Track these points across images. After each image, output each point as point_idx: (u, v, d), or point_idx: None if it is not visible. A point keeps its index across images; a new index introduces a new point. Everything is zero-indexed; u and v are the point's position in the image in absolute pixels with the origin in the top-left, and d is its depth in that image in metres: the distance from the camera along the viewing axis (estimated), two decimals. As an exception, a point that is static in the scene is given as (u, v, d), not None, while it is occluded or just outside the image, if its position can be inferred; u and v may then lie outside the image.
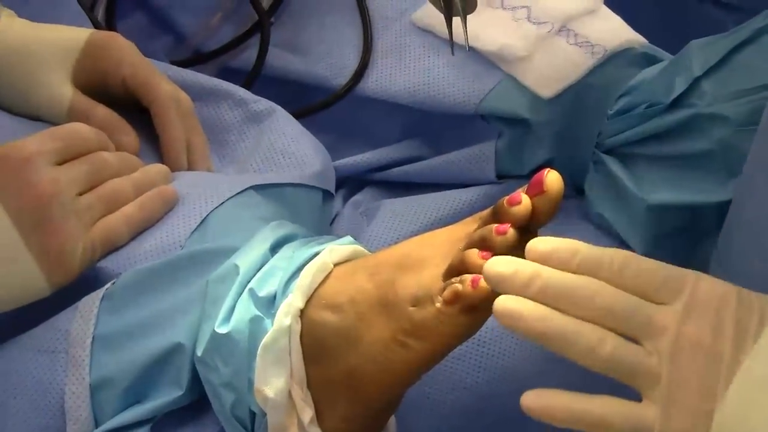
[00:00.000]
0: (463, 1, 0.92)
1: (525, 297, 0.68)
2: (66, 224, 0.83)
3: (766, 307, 0.66)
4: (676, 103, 0.94)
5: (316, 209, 1.00)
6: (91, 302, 0.84)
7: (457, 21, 0.93)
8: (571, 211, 1.01)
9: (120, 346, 0.83)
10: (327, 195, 1.02)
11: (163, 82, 0.98)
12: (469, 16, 0.92)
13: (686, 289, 0.68)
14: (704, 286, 0.68)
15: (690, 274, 0.69)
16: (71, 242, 0.83)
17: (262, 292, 0.82)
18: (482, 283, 0.73)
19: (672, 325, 0.67)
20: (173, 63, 1.11)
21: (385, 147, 1.09)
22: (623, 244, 0.98)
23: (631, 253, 0.70)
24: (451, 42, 0.94)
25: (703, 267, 0.92)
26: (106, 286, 0.85)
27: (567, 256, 0.69)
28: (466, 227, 0.79)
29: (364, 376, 0.77)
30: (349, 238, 0.86)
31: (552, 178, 0.74)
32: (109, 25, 1.15)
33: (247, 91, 1.06)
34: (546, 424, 0.69)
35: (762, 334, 0.64)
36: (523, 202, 0.74)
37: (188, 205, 0.90)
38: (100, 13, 1.15)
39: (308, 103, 1.11)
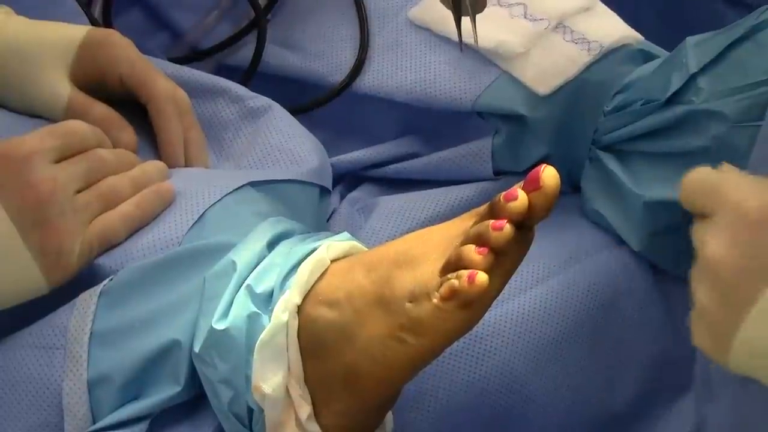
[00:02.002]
0: (473, 1, 0.92)
1: None
2: (64, 223, 0.83)
3: None
4: (673, 100, 0.94)
5: (313, 206, 1.00)
6: (88, 299, 0.84)
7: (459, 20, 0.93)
8: (567, 207, 1.00)
9: (118, 342, 0.83)
10: (324, 191, 1.02)
11: (161, 79, 0.99)
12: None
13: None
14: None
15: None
16: (69, 241, 0.83)
17: (260, 289, 0.82)
18: (478, 278, 0.73)
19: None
20: (170, 60, 1.11)
21: (382, 144, 1.09)
22: (619, 240, 0.98)
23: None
24: (460, 41, 0.94)
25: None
26: (104, 283, 0.85)
27: None
28: (463, 223, 0.79)
29: (362, 372, 0.77)
30: (346, 235, 0.86)
31: (548, 174, 0.74)
32: (106, 22, 1.15)
33: (243, 87, 1.06)
34: None
35: None
36: (519, 197, 0.74)
37: (185, 201, 0.90)
38: (96, 10, 1.15)
39: (305, 99, 1.11)
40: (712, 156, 0.92)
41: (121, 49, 0.98)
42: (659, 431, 0.96)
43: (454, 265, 0.75)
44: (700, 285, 0.65)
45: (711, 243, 0.64)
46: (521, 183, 0.75)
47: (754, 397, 0.70)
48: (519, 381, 0.90)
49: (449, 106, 1.04)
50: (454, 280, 0.73)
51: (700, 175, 0.68)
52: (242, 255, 0.84)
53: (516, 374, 0.90)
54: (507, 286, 0.77)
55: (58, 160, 0.85)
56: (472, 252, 0.74)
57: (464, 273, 0.73)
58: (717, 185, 0.66)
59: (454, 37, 0.95)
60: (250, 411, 0.81)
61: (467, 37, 0.94)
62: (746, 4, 1.25)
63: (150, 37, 1.16)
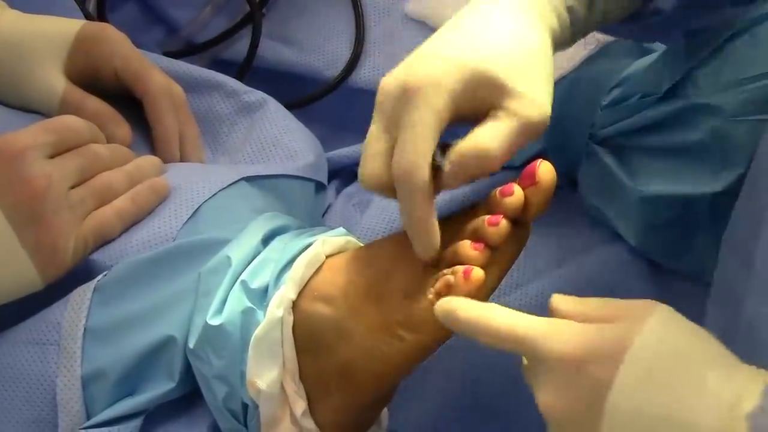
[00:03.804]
0: None
1: None
2: (59, 218, 0.83)
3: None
4: (669, 94, 0.94)
5: (309, 201, 1.00)
6: (82, 294, 0.84)
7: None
8: (564, 202, 1.00)
9: (111, 338, 0.83)
10: (319, 186, 1.01)
11: (156, 74, 0.98)
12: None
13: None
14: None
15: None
16: (64, 236, 0.83)
17: (255, 284, 0.82)
18: (474, 274, 0.73)
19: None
20: (165, 54, 1.11)
21: (377, 139, 1.08)
22: (616, 236, 0.98)
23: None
24: None
25: (696, 258, 0.92)
26: (98, 278, 0.85)
27: None
28: (459, 218, 0.78)
29: (357, 368, 0.77)
30: (341, 230, 0.86)
31: (544, 170, 0.74)
32: (101, 16, 1.15)
33: (239, 82, 1.05)
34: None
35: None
36: (515, 193, 0.74)
37: (180, 196, 0.90)
38: (91, 5, 1.15)
39: (301, 94, 1.11)
40: (709, 150, 0.92)
41: (115, 43, 0.98)
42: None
43: (450, 260, 0.75)
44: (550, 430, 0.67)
45: (541, 392, 0.66)
46: (517, 178, 0.75)
47: None
48: (514, 377, 0.90)
49: (445, 101, 1.03)
50: (450, 276, 0.73)
51: (502, 320, 0.68)
52: (237, 250, 0.84)
53: (511, 370, 0.90)
54: (503, 282, 0.77)
55: (53, 156, 0.85)
56: (467, 247, 0.74)
57: (460, 269, 0.73)
58: (526, 335, 0.67)
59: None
60: (245, 407, 0.81)
61: None
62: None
63: (145, 31, 1.16)
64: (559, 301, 0.69)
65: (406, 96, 0.74)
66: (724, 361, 0.63)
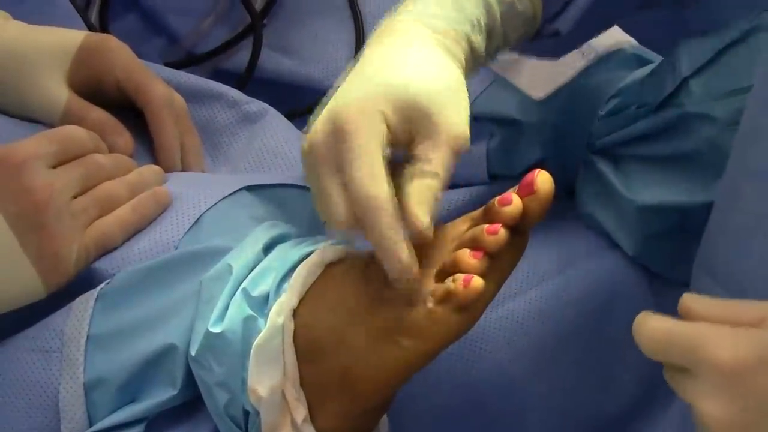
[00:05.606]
0: None
1: None
2: (61, 228, 0.83)
3: None
4: (665, 104, 0.94)
5: (309, 209, 1.00)
6: (85, 302, 0.84)
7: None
8: (562, 211, 1.01)
9: (114, 346, 0.83)
10: (319, 195, 1.02)
11: (157, 84, 0.99)
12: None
13: None
14: None
15: None
16: (67, 245, 0.84)
17: (256, 292, 0.82)
18: (474, 282, 0.73)
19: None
20: (166, 65, 1.12)
21: (376, 148, 1.09)
22: (614, 245, 0.98)
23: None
24: None
25: (692, 268, 0.93)
26: (101, 286, 0.85)
27: None
28: (458, 227, 0.79)
29: (357, 375, 0.77)
30: (341, 238, 0.87)
31: (543, 179, 0.75)
32: (103, 26, 1.15)
33: (239, 92, 1.06)
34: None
35: None
36: (513, 202, 0.74)
37: (182, 205, 0.90)
38: (93, 14, 1.16)
39: (301, 104, 1.12)
40: (704, 159, 0.92)
41: (118, 53, 0.98)
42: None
43: (449, 268, 0.75)
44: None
45: (707, 406, 0.62)
46: (515, 187, 0.75)
47: None
48: (513, 384, 0.91)
49: (444, 111, 1.04)
50: (450, 283, 0.74)
51: (662, 327, 0.66)
52: (238, 259, 0.84)
53: (510, 378, 0.90)
54: (501, 290, 0.77)
55: (55, 166, 0.85)
56: (467, 256, 0.74)
57: (459, 277, 0.74)
58: (688, 341, 0.64)
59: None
60: (246, 413, 0.81)
61: None
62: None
63: (146, 41, 1.16)
64: (692, 300, 0.67)
65: (340, 133, 0.75)
66: None
